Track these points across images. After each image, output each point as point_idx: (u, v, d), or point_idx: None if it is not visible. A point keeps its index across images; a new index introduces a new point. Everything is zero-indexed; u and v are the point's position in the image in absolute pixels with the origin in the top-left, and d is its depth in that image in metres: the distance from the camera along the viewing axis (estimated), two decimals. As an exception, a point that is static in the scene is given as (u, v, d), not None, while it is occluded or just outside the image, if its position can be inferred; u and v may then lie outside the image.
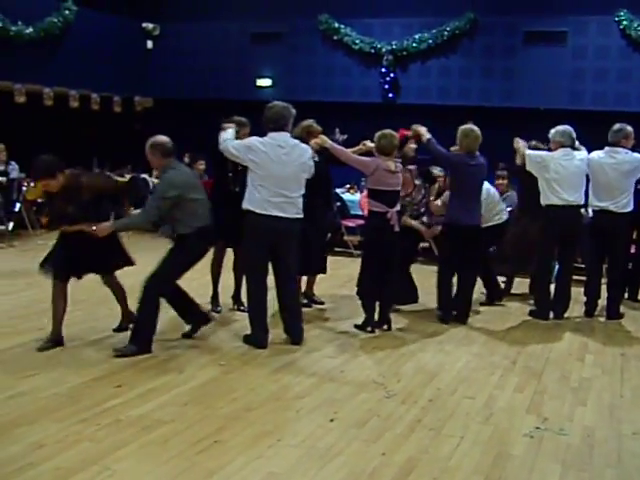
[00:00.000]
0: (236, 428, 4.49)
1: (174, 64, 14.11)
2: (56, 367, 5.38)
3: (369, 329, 6.74)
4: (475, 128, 7.14)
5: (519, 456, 4.28)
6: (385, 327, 6.83)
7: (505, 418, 4.87)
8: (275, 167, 5.99)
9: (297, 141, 6.28)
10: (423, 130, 7.21)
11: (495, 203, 7.84)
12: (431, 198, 7.67)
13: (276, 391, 5.18)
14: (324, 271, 7.51)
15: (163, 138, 5.92)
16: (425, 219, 7.63)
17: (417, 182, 7.40)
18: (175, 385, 5.19)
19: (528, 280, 8.59)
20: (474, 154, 7.09)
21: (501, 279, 8.52)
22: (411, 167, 7.35)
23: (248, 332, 6.30)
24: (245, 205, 6.10)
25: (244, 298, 7.23)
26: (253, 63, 13.53)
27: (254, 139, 6.11)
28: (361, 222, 10.35)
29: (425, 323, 7.24)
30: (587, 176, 7.61)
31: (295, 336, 6.30)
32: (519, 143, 7.72)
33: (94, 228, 5.70)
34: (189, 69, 13.98)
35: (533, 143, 7.95)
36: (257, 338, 6.19)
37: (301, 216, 6.21)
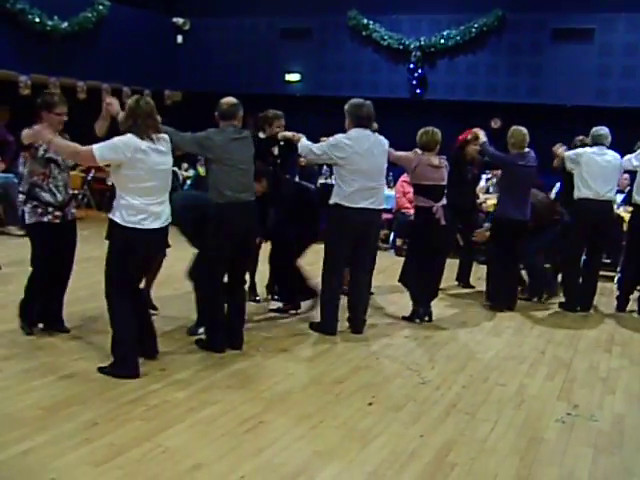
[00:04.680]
0: (279, 410, 4.68)
1: (203, 59, 14.34)
2: (101, 352, 5.54)
3: (417, 321, 6.95)
4: (522, 129, 7.45)
5: (552, 440, 4.45)
6: (427, 318, 7.02)
7: (537, 404, 5.04)
8: (363, 160, 6.24)
9: (377, 133, 6.50)
10: (482, 133, 7.67)
11: None
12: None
13: (315, 376, 5.38)
14: None
15: (226, 99, 5.83)
16: None
17: None
18: (217, 369, 5.38)
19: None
20: (524, 153, 7.38)
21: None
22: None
23: (315, 320, 6.62)
24: (334, 200, 6.32)
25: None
26: (282, 58, 13.70)
27: (339, 136, 6.33)
28: (389, 216, 10.55)
29: (454, 313, 7.47)
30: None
31: (357, 325, 6.52)
32: (560, 149, 7.96)
33: None
34: (218, 64, 14.19)
35: (580, 138, 8.14)
36: (328, 325, 6.42)
37: (384, 206, 6.52)
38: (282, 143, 6.79)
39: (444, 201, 6.91)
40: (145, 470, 3.80)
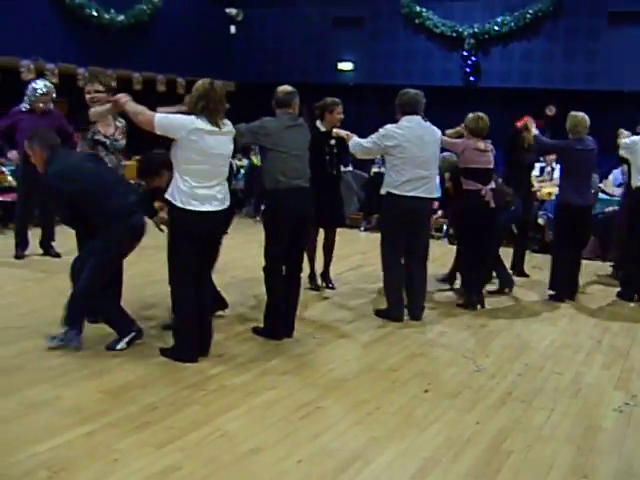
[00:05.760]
0: (335, 396, 4.74)
1: (256, 49, 14.41)
2: (158, 338, 5.64)
3: (472, 308, 6.94)
4: (578, 114, 7.33)
5: (609, 429, 4.42)
6: (479, 306, 7.03)
7: (593, 393, 5.01)
8: (415, 148, 6.26)
9: (428, 123, 6.47)
10: (533, 125, 7.58)
11: None
12: None
13: (370, 363, 5.41)
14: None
15: (282, 87, 5.90)
16: None
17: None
18: (273, 356, 5.46)
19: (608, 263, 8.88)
20: (582, 138, 7.27)
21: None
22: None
23: (381, 307, 6.68)
24: (386, 189, 6.36)
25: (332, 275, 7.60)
26: (335, 47, 13.68)
27: (389, 126, 6.35)
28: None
29: (509, 301, 7.43)
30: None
31: (415, 312, 6.54)
32: (622, 134, 7.85)
33: None
34: (271, 53, 14.24)
35: None
36: (394, 312, 6.48)
37: (435, 195, 6.57)
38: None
39: (493, 184, 6.89)
40: (204, 453, 3.88)
